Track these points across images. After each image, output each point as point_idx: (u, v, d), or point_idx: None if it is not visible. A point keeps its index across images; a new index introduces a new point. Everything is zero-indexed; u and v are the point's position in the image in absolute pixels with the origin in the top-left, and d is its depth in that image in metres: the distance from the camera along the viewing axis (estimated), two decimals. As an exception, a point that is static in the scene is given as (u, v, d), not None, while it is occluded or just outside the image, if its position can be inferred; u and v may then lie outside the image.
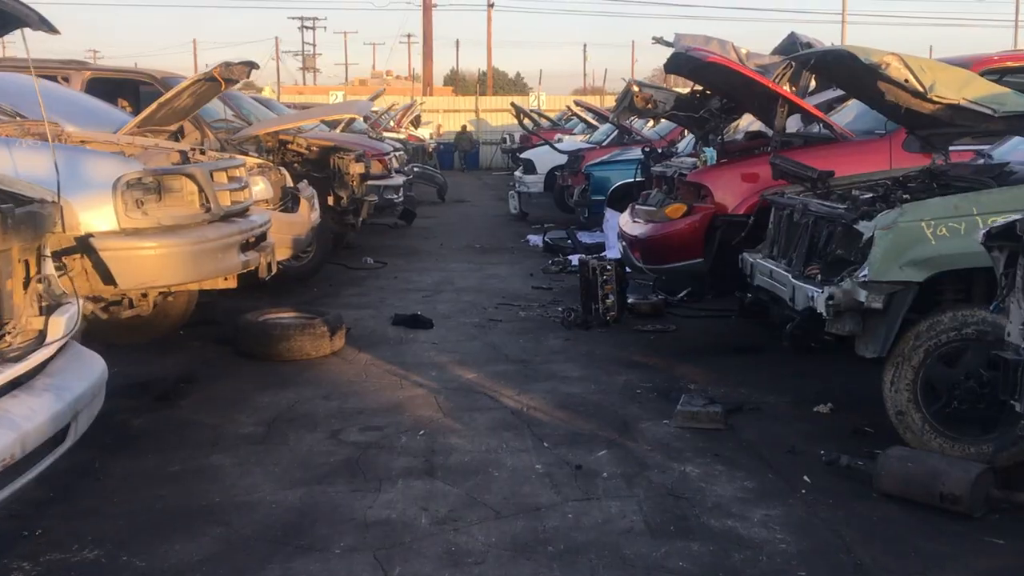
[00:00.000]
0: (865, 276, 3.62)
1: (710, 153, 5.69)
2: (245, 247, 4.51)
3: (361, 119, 21.15)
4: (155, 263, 3.97)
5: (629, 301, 7.18)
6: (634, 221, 6.19)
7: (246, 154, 7.80)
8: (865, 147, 5.65)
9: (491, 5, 40.51)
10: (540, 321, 7.10)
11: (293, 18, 68.80)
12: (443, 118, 33.23)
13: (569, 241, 11.58)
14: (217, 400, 4.99)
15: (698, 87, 8.75)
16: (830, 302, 3.64)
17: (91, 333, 5.64)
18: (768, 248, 4.64)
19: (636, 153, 10.79)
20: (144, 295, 4.27)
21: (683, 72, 6.66)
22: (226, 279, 4.38)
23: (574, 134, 19.91)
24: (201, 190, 4.17)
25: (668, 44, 8.67)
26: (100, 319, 4.75)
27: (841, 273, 3.76)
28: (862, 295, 3.61)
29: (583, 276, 7.05)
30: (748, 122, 7.87)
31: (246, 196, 4.82)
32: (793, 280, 3.99)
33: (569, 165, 12.43)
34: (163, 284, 4.13)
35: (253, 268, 4.64)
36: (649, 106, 8.77)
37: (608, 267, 6.94)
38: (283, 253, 6.14)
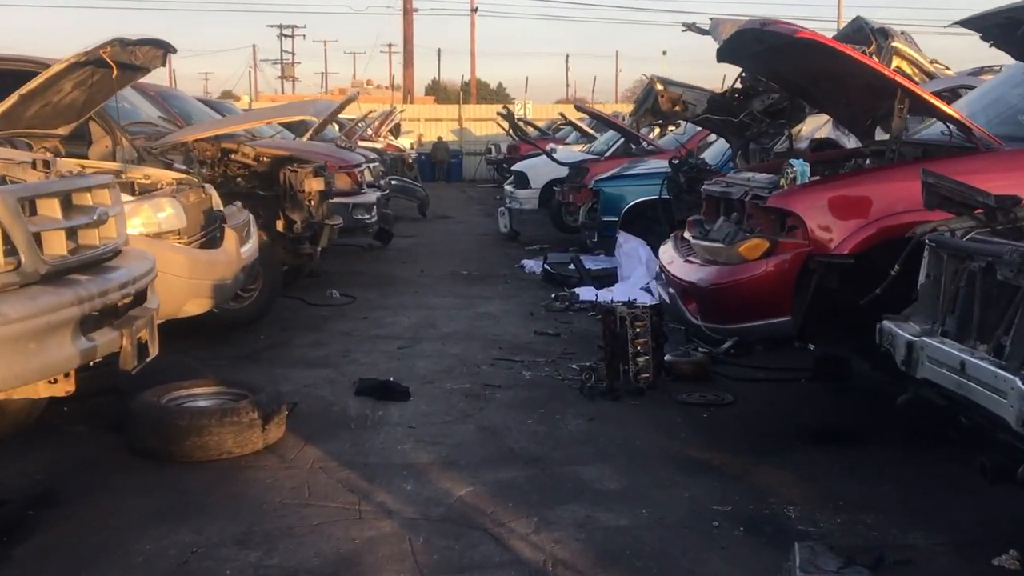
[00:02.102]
0: None
1: (801, 168, 4.03)
2: (92, 323, 2.77)
3: (336, 127, 19.49)
4: (-100, 366, 2.26)
5: (666, 359, 5.51)
6: (686, 260, 4.50)
7: (170, 166, 6.08)
8: (1020, 158, 4.00)
9: (475, 10, 38.91)
10: (551, 386, 5.40)
11: (272, 26, 66.42)
12: (424, 127, 31.55)
13: (572, 266, 9.92)
14: (75, 544, 3.25)
15: (737, 86, 7.13)
16: None
17: None
18: (937, 319, 2.96)
19: (653, 165, 9.16)
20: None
21: (741, 58, 5.01)
22: (54, 381, 2.65)
23: (567, 143, 18.30)
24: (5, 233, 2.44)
25: (702, 31, 7.04)
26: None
27: None
28: None
29: (607, 327, 5.37)
30: (812, 128, 6.24)
31: (107, 236, 3.08)
32: (1025, 387, 2.31)
33: (570, 179, 10.75)
34: (-83, 402, 2.42)
35: (110, 354, 2.90)
36: (676, 108, 7.17)
37: (642, 316, 5.27)
38: (199, 305, 4.42)
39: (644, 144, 11.03)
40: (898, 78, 4.08)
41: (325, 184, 6.80)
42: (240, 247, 4.64)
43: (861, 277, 4.03)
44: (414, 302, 8.11)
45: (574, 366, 5.75)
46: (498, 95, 65.04)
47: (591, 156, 11.77)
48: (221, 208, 5.09)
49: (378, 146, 18.64)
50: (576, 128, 17.39)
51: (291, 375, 5.54)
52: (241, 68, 66.74)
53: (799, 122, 7.05)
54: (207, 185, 5.13)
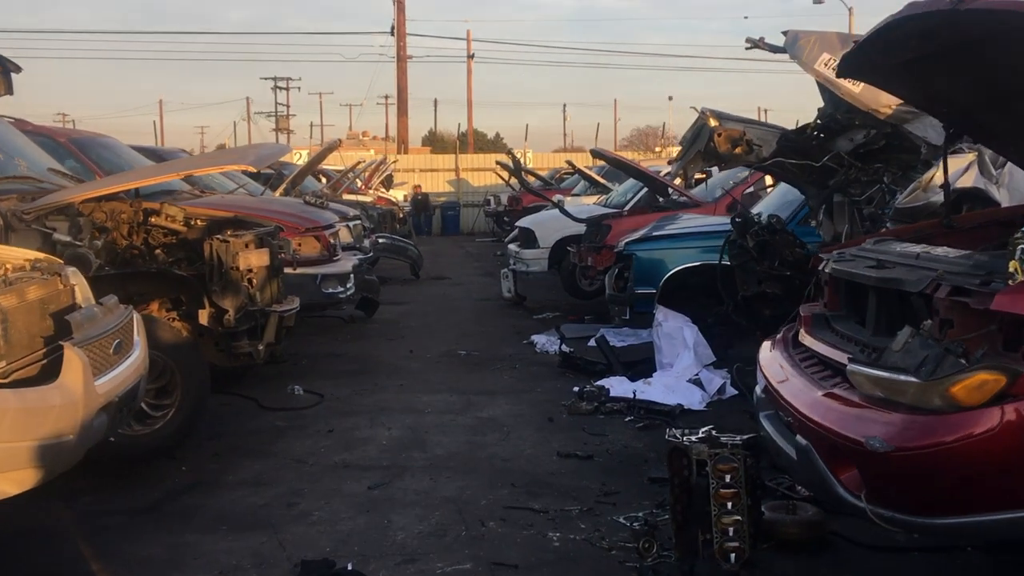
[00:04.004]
0: None
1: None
2: None
3: (324, 180, 17.87)
4: None
5: (765, 516, 3.70)
6: (828, 393, 2.72)
7: (48, 236, 4.35)
8: None
9: (471, 56, 37.72)
10: (592, 562, 3.60)
11: (266, 78, 65.62)
12: (420, 178, 30.00)
13: (593, 342, 8.17)
14: None
15: (817, 120, 5.49)
16: None
17: None
18: None
19: (696, 222, 7.44)
20: None
21: (884, 68, 3.30)
22: None
23: (574, 194, 16.65)
24: None
25: (773, 48, 5.39)
26: None
27: None
28: None
29: (676, 474, 3.58)
30: (954, 174, 4.52)
31: None
32: None
33: (588, 237, 9.02)
34: None
35: None
36: (737, 150, 5.48)
37: (730, 459, 3.48)
38: (18, 480, 2.61)
39: (673, 195, 9.32)
40: None
41: (270, 257, 5.03)
42: (94, 377, 2.86)
43: None
44: (398, 402, 6.30)
45: (622, 520, 3.96)
46: (495, 145, 63.98)
47: (611, 210, 10.05)
48: (89, 304, 3.31)
49: (367, 199, 17.01)
50: (585, 177, 15.73)
51: (203, 548, 3.73)
52: (236, 121, 65.53)
53: (902, 168, 5.36)
54: (71, 271, 3.36)
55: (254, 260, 4.80)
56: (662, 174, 10.07)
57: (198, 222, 5.52)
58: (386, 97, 63.06)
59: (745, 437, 3.63)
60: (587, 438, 5.33)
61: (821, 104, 5.60)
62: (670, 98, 51.08)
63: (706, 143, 5.49)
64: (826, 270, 3.24)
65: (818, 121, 5.50)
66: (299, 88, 75.17)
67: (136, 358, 3.33)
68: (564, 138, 63.51)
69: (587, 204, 12.28)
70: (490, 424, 5.70)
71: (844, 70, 3.35)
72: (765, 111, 36.19)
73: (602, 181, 14.69)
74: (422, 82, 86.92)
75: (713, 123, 5.50)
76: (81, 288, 3.34)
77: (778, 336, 3.40)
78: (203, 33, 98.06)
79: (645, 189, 10.05)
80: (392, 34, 30.58)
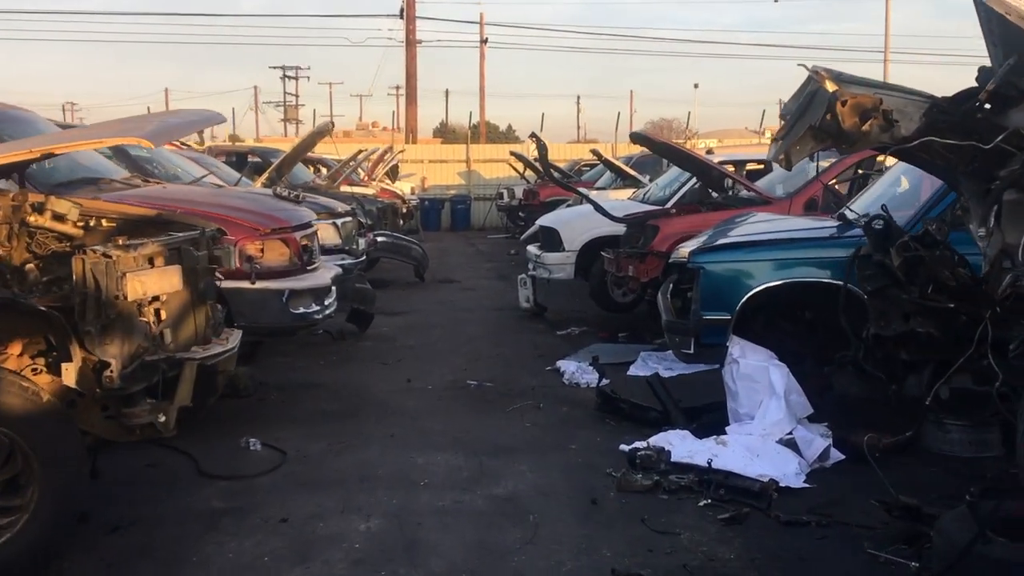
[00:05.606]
0: None
1: None
2: None
3: (324, 170, 16.26)
4: None
5: None
6: None
7: None
8: None
9: (484, 40, 35.87)
10: None
11: (274, 68, 64.16)
12: (428, 169, 28.36)
13: (635, 370, 6.62)
14: None
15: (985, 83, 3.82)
16: None
17: None
18: None
19: (780, 227, 5.72)
20: None
21: None
22: None
23: (599, 187, 14.95)
24: None
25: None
26: None
27: None
28: None
29: None
30: None
31: None
32: None
33: (629, 240, 7.34)
34: None
35: None
36: (867, 126, 3.81)
37: None
38: None
39: (732, 189, 7.62)
40: None
41: (185, 276, 3.37)
42: None
43: None
44: (384, 466, 4.67)
45: None
46: (507, 136, 62.14)
47: (654, 207, 8.34)
48: None
49: (369, 191, 15.36)
50: (613, 168, 14.02)
51: None
52: (245, 111, 63.81)
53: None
54: None
55: (154, 284, 3.16)
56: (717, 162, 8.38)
57: (102, 223, 3.91)
58: (396, 87, 61.32)
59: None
60: (651, 538, 3.69)
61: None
62: (696, 86, 48.44)
63: (822, 116, 3.82)
64: None
65: (983, 86, 3.82)
66: (308, 78, 73.26)
67: None
68: (578, 130, 61.67)
69: (617, 199, 10.57)
70: (510, 510, 4.05)
71: None
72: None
73: (632, 173, 13.00)
74: (433, 73, 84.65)
75: (832, 87, 3.83)
76: None
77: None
78: (208, 15, 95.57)
79: (693, 182, 8.36)
80: (401, 17, 28.88)
